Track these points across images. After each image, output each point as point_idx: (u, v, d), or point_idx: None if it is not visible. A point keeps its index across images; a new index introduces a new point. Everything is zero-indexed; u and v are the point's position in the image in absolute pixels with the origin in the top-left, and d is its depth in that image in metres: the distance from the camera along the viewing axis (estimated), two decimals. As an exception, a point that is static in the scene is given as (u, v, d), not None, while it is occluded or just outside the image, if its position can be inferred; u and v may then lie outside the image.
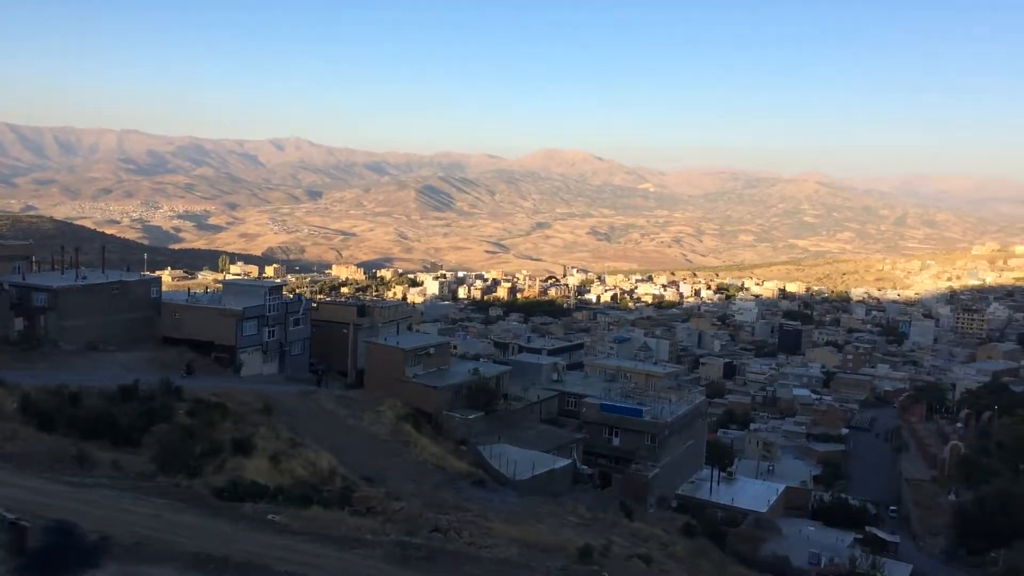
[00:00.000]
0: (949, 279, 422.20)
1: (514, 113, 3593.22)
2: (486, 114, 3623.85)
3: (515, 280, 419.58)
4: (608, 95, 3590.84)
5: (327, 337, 67.75)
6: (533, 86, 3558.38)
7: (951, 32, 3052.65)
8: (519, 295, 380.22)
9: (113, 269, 73.42)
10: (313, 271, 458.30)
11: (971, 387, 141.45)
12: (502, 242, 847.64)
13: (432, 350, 61.80)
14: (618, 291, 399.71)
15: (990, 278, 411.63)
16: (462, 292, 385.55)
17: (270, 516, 24.58)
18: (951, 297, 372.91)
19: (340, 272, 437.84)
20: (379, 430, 48.48)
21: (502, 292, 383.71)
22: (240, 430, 37.57)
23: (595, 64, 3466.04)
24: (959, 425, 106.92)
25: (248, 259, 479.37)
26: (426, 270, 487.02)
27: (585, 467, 56.68)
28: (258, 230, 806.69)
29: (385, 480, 38.10)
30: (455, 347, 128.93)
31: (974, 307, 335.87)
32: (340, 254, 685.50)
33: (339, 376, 65.54)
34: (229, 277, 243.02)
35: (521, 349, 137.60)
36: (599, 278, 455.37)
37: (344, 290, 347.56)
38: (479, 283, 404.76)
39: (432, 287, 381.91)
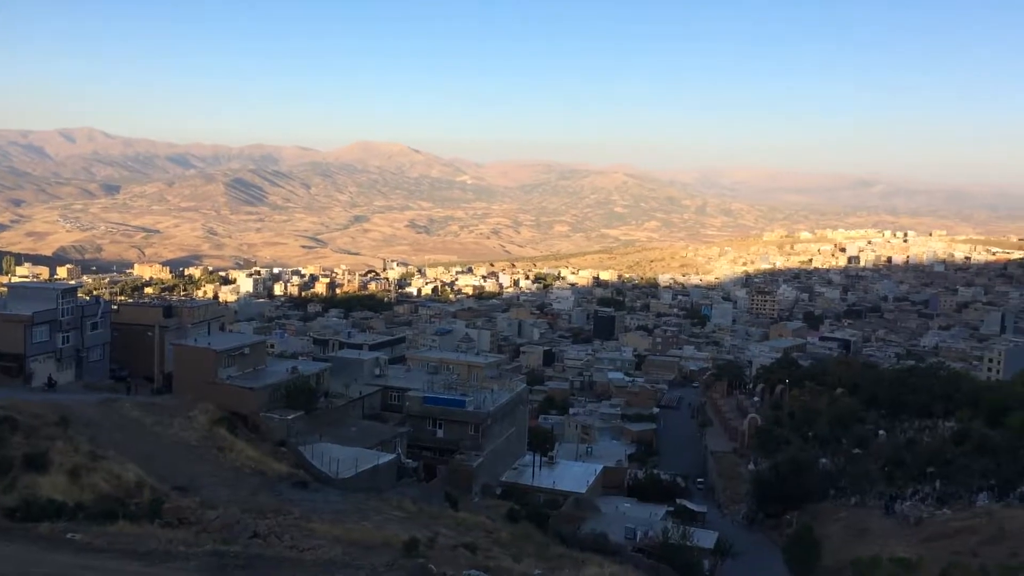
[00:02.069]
0: (744, 264, 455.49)
1: (327, 104, 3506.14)
2: (298, 105, 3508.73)
3: (334, 275, 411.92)
4: (422, 87, 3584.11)
5: (130, 341, 63.72)
6: (346, 77, 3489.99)
7: (740, 31, 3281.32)
8: (338, 290, 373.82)
9: None
10: (112, 271, 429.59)
11: (765, 363, 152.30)
12: (319, 237, 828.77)
13: (247, 350, 59.50)
14: (439, 283, 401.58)
15: (779, 262, 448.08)
16: (278, 289, 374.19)
17: (69, 535, 22.84)
18: (746, 280, 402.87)
19: (143, 271, 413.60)
20: (191, 436, 46.09)
21: (320, 288, 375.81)
22: (33, 445, 34.48)
23: (408, 56, 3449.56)
24: (756, 399, 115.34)
25: (37, 260, 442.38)
26: (239, 267, 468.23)
27: (410, 460, 56.51)
28: (48, 228, 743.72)
29: (199, 488, 36.28)
30: (272, 346, 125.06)
31: (766, 289, 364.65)
32: (143, 252, 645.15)
33: (145, 382, 61.86)
34: (15, 280, 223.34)
35: (342, 345, 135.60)
36: (420, 271, 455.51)
37: (148, 290, 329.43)
38: (296, 279, 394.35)
39: (246, 285, 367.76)
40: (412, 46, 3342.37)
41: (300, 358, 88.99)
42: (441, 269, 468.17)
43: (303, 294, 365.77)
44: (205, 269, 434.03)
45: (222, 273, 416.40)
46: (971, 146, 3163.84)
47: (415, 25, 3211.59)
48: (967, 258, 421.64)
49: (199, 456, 43.41)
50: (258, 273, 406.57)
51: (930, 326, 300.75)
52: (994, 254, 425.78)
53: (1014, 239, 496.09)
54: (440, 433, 61.74)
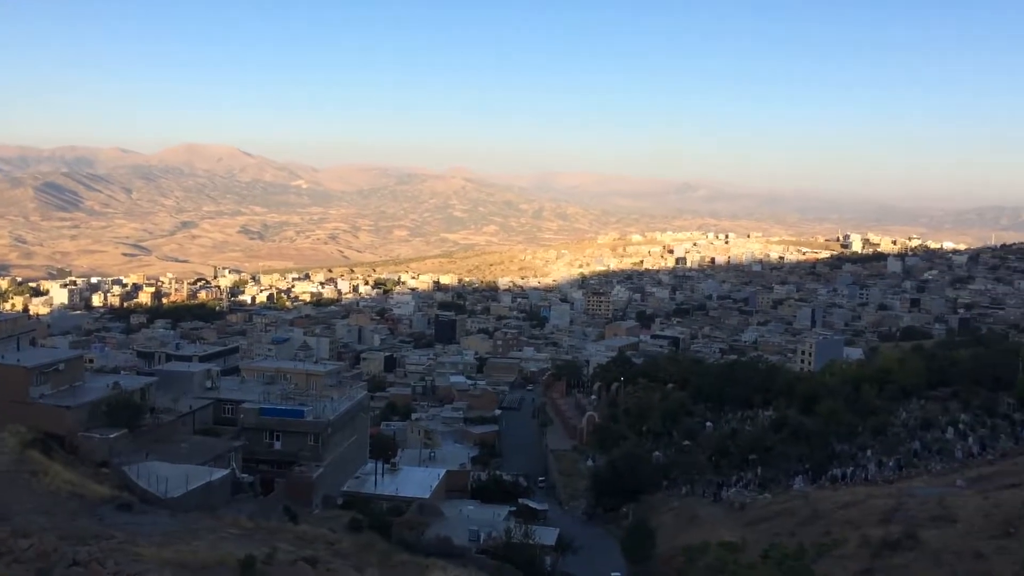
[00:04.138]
0: (580, 266, 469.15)
1: (147, 104, 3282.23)
2: (114, 104, 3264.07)
3: (160, 284, 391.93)
4: (252, 88, 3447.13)
5: (-75, 360, 57.78)
6: (170, 76, 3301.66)
7: (567, 37, 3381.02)
8: (165, 300, 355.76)
9: None
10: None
11: (602, 362, 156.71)
12: (142, 244, 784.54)
13: (61, 366, 55.40)
14: (275, 291, 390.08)
15: (613, 264, 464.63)
16: (97, 300, 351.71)
17: None
18: (582, 282, 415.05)
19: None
20: (-1, 462, 42.46)
21: (145, 298, 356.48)
22: None
23: (237, 57, 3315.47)
24: (593, 397, 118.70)
25: None
26: (52, 277, 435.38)
27: (246, 475, 54.44)
28: None
29: (10, 517, 33.44)
30: (91, 361, 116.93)
31: (601, 291, 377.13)
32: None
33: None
34: None
35: (169, 357, 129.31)
36: (254, 278, 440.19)
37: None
38: (117, 289, 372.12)
39: (60, 296, 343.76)
40: (241, 46, 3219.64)
41: (123, 372, 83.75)
42: (277, 276, 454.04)
43: (125, 305, 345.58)
44: (13, 280, 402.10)
45: (33, 284, 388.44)
46: (783, 152, 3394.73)
47: (245, 24, 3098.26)
48: (781, 258, 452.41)
49: (10, 482, 40.10)
50: (74, 283, 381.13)
51: (750, 322, 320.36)
52: (804, 254, 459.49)
53: (821, 240, 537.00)
54: (278, 445, 59.85)
